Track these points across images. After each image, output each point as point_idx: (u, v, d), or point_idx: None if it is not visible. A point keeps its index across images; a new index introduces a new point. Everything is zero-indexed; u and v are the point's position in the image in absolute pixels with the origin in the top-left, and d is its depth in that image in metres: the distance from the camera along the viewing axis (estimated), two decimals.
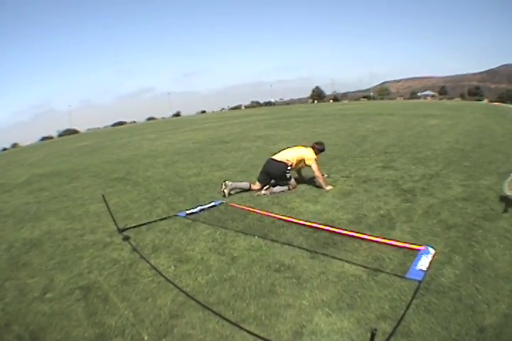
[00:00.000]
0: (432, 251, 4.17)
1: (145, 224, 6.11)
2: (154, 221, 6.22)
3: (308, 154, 7.50)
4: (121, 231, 5.81)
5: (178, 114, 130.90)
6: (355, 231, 4.93)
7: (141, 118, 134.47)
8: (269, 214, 5.89)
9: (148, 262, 4.65)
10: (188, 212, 6.36)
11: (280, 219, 5.63)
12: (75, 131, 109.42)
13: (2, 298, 4.25)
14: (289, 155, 7.46)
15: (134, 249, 5.10)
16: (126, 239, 5.50)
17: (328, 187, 7.26)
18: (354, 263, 4.15)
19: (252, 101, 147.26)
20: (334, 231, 4.98)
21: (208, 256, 4.70)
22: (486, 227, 4.96)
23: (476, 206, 5.83)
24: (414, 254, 4.17)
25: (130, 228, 5.97)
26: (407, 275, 3.72)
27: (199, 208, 6.51)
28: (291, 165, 7.37)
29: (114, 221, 5.93)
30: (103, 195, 6.14)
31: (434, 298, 3.41)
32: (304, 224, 5.31)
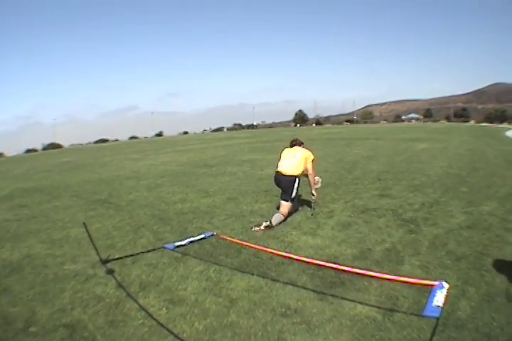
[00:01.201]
0: (446, 285, 3.82)
1: (130, 256, 5.62)
2: (140, 253, 5.73)
3: (307, 153, 7.26)
4: (104, 262, 5.34)
5: (160, 134, 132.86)
6: (363, 269, 4.45)
7: (124, 136, 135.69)
8: (266, 249, 5.34)
9: (136, 302, 4.19)
10: (176, 244, 5.84)
11: (279, 255, 5.10)
12: (58, 146, 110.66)
13: None
14: (293, 165, 7.11)
15: (120, 285, 4.62)
16: (111, 272, 5.02)
17: (318, 186, 7.41)
18: (367, 304, 3.82)
19: (235, 124, 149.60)
20: (340, 269, 4.46)
21: (203, 297, 4.21)
22: (494, 255, 4.87)
23: (481, 234, 5.71)
24: (429, 290, 3.80)
25: (114, 259, 5.49)
26: (424, 313, 3.44)
27: (188, 240, 5.99)
28: (298, 177, 7.06)
29: (96, 251, 5.56)
30: (84, 223, 5.88)
31: (453, 332, 3.28)
32: (306, 261, 4.78)
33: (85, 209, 9.53)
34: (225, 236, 6.10)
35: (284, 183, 7.06)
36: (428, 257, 4.92)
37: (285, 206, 6.98)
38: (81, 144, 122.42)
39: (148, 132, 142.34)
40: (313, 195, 7.31)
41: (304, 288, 4.24)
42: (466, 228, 6.00)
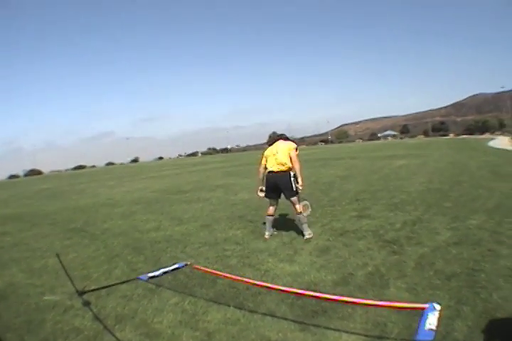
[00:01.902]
0: (437, 307, 3.70)
1: (105, 287, 5.46)
2: (115, 284, 5.56)
3: (288, 144, 7.34)
4: (80, 294, 5.22)
5: (136, 160, 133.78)
6: (345, 295, 4.31)
7: (100, 162, 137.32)
8: (242, 278, 5.18)
9: (114, 335, 4.03)
10: (150, 275, 5.68)
11: (255, 284, 4.92)
12: (39, 172, 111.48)
13: None
14: (282, 160, 7.14)
15: (97, 318, 4.48)
16: (87, 304, 4.90)
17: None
18: (353, 333, 3.62)
19: (209, 148, 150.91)
20: (321, 297, 4.31)
21: (179, 330, 4.03)
22: (487, 270, 4.78)
23: (471, 249, 5.63)
24: (419, 313, 3.66)
25: (90, 291, 5.33)
26: (417, 338, 3.29)
27: (162, 271, 5.81)
28: (291, 170, 7.17)
29: (72, 283, 5.42)
30: (57, 254, 5.83)
31: None
32: (284, 290, 4.64)
33: (62, 237, 9.48)
34: (199, 266, 5.94)
35: (281, 180, 7.10)
36: (415, 278, 4.77)
37: (295, 201, 7.16)
38: (60, 171, 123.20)
39: (124, 158, 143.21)
40: (297, 182, 7.18)
41: (284, 319, 4.06)
42: (453, 245, 5.92)
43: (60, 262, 5.56)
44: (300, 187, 7.19)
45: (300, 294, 4.44)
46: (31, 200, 21.47)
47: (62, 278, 5.97)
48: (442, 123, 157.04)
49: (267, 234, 7.37)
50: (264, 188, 7.44)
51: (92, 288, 5.48)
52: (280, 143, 7.38)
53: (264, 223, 7.66)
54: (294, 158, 7.09)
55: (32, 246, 8.82)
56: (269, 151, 7.38)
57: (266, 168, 7.36)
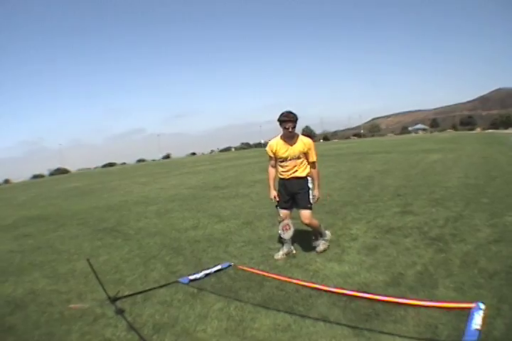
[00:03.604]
0: (482, 306, 3.70)
1: (141, 292, 5.15)
2: (152, 289, 5.25)
3: (309, 143, 5.90)
4: (113, 300, 4.87)
5: (168, 156, 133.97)
6: (397, 297, 4.15)
7: (131, 159, 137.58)
8: (291, 280, 4.92)
9: None
10: (191, 277, 5.35)
11: (305, 286, 4.68)
12: (65, 171, 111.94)
13: None
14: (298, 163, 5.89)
15: (131, 327, 4.15)
16: (120, 312, 4.55)
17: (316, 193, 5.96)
18: (406, 337, 3.42)
19: (242, 143, 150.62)
20: (374, 299, 4.15)
21: (225, 339, 3.73)
22: None
23: (509, 246, 5.47)
24: (466, 313, 3.60)
25: (124, 297, 5.03)
26: (464, 339, 3.27)
27: (204, 273, 5.49)
28: (308, 176, 5.96)
29: (103, 288, 5.06)
30: (88, 260, 5.38)
31: None
32: (336, 292, 4.41)
33: (92, 238, 9.12)
34: (244, 267, 5.66)
35: (297, 187, 5.93)
36: (461, 277, 4.60)
37: (308, 214, 5.86)
38: (88, 169, 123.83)
39: (155, 154, 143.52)
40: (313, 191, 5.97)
41: (337, 324, 3.77)
42: (493, 242, 5.72)
43: (90, 265, 5.21)
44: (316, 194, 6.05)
45: (353, 296, 4.27)
46: (57, 200, 20.82)
47: (92, 283, 5.69)
48: (469, 117, 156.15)
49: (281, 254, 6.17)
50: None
51: (126, 293, 5.20)
52: (298, 143, 5.90)
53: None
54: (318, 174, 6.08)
55: (57, 249, 8.47)
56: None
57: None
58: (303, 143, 5.82)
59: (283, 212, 6.11)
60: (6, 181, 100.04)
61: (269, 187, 6.25)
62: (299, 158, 5.84)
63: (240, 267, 5.67)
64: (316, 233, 6.16)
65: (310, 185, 5.94)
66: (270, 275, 5.20)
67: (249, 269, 5.54)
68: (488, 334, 3.29)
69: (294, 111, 5.76)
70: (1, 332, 4.44)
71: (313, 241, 6.18)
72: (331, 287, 4.59)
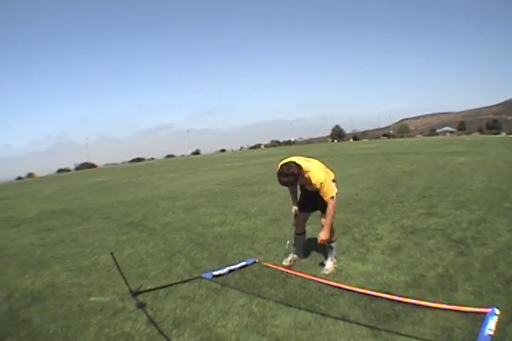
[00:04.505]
0: (497, 312, 3.68)
1: (164, 287, 5.17)
2: (175, 283, 5.26)
3: (319, 182, 5.12)
4: (134, 294, 4.91)
5: (197, 152, 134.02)
6: (417, 298, 4.16)
7: (159, 155, 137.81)
8: (314, 278, 4.91)
9: None
10: (215, 273, 5.34)
11: (328, 285, 4.68)
12: (92, 165, 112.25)
13: None
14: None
15: (151, 321, 4.17)
16: (142, 306, 4.57)
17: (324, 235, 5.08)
18: (423, 339, 3.43)
19: (272, 140, 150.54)
20: (394, 300, 4.16)
21: (244, 336, 3.73)
22: None
23: None
24: (481, 318, 3.61)
25: (146, 291, 5.05)
26: None
27: (228, 269, 5.48)
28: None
29: (125, 282, 5.18)
30: (112, 253, 5.57)
31: None
32: (358, 292, 4.40)
33: (117, 232, 9.12)
34: (268, 264, 5.66)
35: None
36: (480, 281, 4.58)
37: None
38: (115, 163, 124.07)
39: (185, 150, 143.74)
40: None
41: (357, 324, 3.78)
42: None
43: (114, 259, 5.29)
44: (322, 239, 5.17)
45: (374, 296, 4.29)
46: (83, 194, 20.73)
47: (115, 276, 5.75)
48: (495, 121, 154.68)
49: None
50: None
51: (149, 287, 5.21)
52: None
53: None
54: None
55: (81, 242, 8.45)
56: None
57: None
58: (313, 182, 5.21)
59: (301, 215, 5.66)
60: (30, 175, 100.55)
61: (291, 199, 5.79)
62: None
63: (265, 263, 5.68)
64: (328, 249, 5.44)
65: None
66: (295, 272, 5.20)
67: (273, 266, 5.53)
68: (500, 340, 3.30)
69: (288, 170, 5.30)
70: (14, 326, 4.43)
71: (324, 259, 5.58)
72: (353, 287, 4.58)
